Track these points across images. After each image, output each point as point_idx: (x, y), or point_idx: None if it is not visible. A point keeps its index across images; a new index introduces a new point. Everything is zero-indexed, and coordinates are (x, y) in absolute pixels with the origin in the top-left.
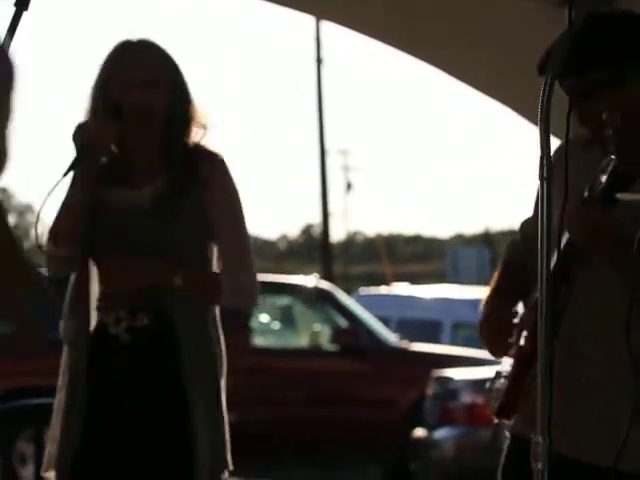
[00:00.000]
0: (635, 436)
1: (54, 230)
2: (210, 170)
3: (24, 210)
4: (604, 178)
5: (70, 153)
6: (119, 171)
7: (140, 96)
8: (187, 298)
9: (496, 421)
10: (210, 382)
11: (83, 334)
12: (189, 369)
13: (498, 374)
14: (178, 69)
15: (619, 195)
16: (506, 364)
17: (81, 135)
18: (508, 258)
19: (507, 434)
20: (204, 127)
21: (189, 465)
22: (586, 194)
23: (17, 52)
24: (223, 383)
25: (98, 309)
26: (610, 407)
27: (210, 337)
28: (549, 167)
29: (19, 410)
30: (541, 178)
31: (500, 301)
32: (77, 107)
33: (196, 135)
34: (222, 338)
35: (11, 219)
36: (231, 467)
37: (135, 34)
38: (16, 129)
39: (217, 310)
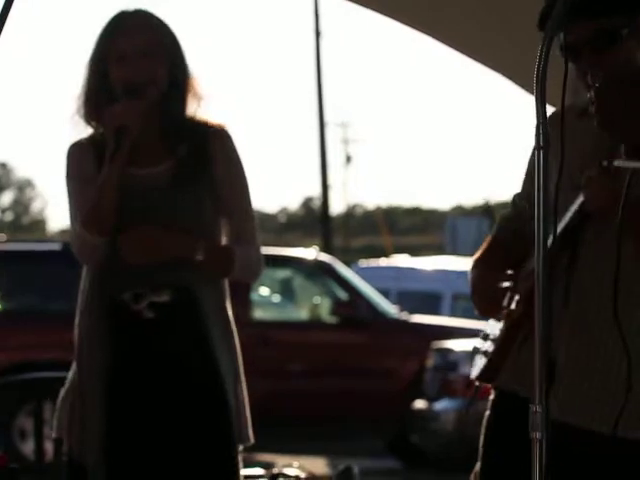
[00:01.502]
0: (629, 405)
1: (90, 215)
2: (218, 145)
3: (24, 185)
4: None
5: (66, 128)
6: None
7: (134, 67)
8: (206, 272)
9: (477, 384)
10: (232, 355)
11: (101, 307)
12: (217, 343)
13: (485, 336)
14: (176, 40)
15: (616, 162)
16: (493, 327)
17: (111, 118)
18: (497, 235)
19: (492, 391)
20: (201, 99)
21: (228, 436)
22: (605, 163)
23: (12, 29)
24: (239, 353)
25: (110, 287)
26: (610, 376)
27: (227, 310)
28: (545, 136)
29: (19, 384)
30: (537, 147)
31: (485, 269)
32: (76, 82)
33: (195, 107)
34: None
35: (11, 194)
36: (252, 440)
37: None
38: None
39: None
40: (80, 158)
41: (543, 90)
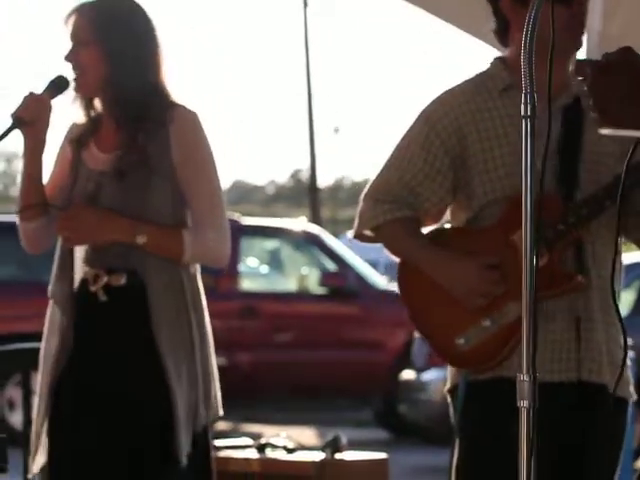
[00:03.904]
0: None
1: (18, 204)
2: (177, 127)
3: (12, 157)
4: None
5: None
6: (96, 131)
7: (71, 56)
8: (160, 258)
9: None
10: (183, 343)
11: (67, 296)
12: (160, 332)
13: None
14: (120, 26)
15: (603, 130)
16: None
17: (17, 107)
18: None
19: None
20: (164, 75)
21: (166, 418)
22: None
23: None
24: (205, 337)
25: (84, 264)
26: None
27: (185, 294)
28: (533, 105)
29: (7, 355)
30: (525, 116)
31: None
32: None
33: (158, 84)
34: (202, 295)
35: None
36: (205, 417)
37: None
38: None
39: (196, 266)
40: (61, 144)
41: (530, 59)
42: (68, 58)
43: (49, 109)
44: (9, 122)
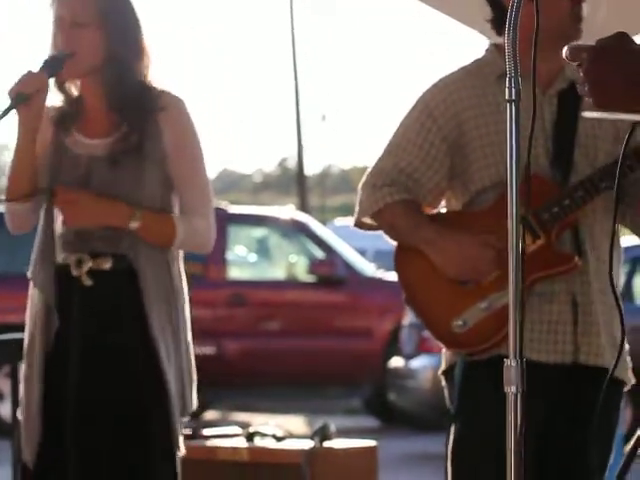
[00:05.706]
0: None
1: (7, 184)
2: (167, 116)
3: (1, 149)
4: None
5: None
6: (77, 116)
7: (67, 37)
8: (146, 241)
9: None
10: (171, 327)
11: (50, 279)
12: (152, 315)
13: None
14: (119, 10)
15: (585, 113)
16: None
17: (15, 84)
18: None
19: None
20: (151, 66)
21: (163, 406)
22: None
23: None
24: (186, 324)
25: (62, 250)
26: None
27: (172, 280)
28: (518, 89)
29: None
30: (509, 101)
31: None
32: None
33: (147, 74)
34: (184, 280)
35: None
36: (192, 408)
37: None
38: None
39: (179, 251)
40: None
41: (514, 42)
42: (63, 38)
43: (47, 87)
44: (8, 102)
